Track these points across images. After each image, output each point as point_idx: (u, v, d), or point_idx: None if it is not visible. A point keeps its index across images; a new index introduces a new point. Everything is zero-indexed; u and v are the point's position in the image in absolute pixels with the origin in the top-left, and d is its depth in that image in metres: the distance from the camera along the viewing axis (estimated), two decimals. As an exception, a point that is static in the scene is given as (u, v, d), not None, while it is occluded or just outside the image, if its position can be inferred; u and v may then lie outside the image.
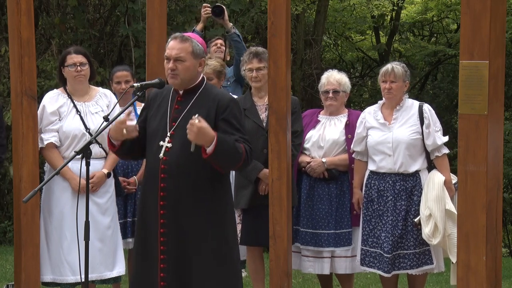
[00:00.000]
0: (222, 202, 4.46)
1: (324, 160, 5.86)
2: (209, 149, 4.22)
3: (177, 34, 4.48)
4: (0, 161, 5.49)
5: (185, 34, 4.50)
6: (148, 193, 4.48)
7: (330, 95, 5.97)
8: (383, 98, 5.80)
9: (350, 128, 5.92)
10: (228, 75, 6.91)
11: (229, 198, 4.55)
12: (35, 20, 7.35)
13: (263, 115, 5.74)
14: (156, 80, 4.52)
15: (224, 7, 6.74)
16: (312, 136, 5.95)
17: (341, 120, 5.99)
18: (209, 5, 6.87)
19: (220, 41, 7.03)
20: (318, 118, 6.04)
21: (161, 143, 4.41)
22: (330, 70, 6.17)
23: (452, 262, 5.49)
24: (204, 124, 4.18)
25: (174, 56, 4.38)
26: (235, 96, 6.26)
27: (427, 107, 5.69)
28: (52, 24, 11.04)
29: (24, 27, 5.34)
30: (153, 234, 4.43)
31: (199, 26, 6.91)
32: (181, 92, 4.48)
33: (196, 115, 4.21)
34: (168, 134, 4.41)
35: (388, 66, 5.76)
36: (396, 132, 5.65)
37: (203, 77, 4.55)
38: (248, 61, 5.80)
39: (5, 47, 10.06)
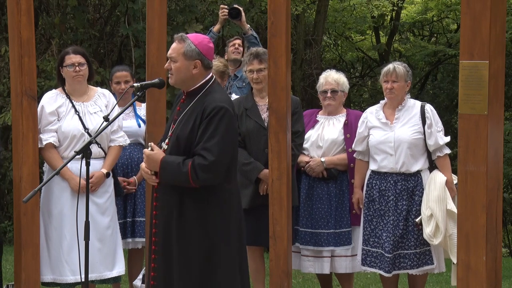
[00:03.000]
0: (213, 203, 4.38)
1: (323, 159, 5.87)
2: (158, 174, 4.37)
3: (180, 34, 4.47)
4: None
5: (187, 35, 4.47)
6: (151, 194, 4.54)
7: (329, 94, 5.97)
8: (385, 98, 5.80)
9: (348, 127, 5.93)
10: (244, 76, 6.91)
11: (223, 198, 4.42)
12: (35, 20, 7.35)
13: (264, 115, 5.74)
14: (156, 80, 4.52)
15: (241, 9, 6.73)
16: (310, 136, 5.95)
17: (340, 119, 6.00)
18: (226, 6, 6.86)
19: (238, 41, 6.99)
20: (317, 118, 6.04)
21: (161, 144, 4.43)
22: (328, 70, 6.18)
23: (453, 263, 5.49)
24: (153, 151, 4.35)
25: (168, 55, 4.41)
26: (236, 97, 6.29)
27: (429, 107, 5.69)
28: (52, 24, 11.03)
29: (24, 27, 5.33)
30: (149, 234, 4.48)
31: (216, 28, 6.88)
32: (185, 94, 4.49)
33: (150, 143, 4.39)
34: (168, 137, 4.43)
35: (390, 66, 5.76)
36: (398, 131, 5.65)
37: (209, 80, 4.45)
38: (248, 62, 5.79)
39: (5, 47, 10.06)
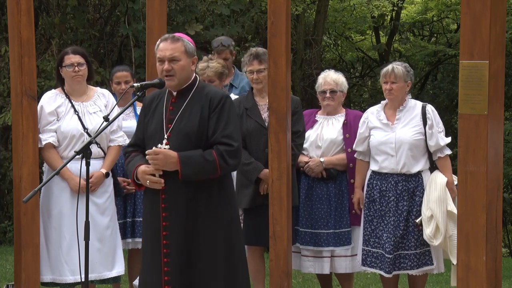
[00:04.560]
0: (222, 200, 4.47)
1: (322, 159, 5.87)
2: (179, 172, 4.33)
3: (167, 35, 4.51)
4: None
5: (175, 34, 4.53)
6: (151, 196, 4.49)
7: (328, 95, 5.97)
8: (386, 99, 5.79)
9: (348, 127, 5.93)
10: (240, 78, 6.89)
11: (230, 196, 4.54)
12: (35, 20, 7.35)
13: (265, 115, 5.73)
14: (156, 80, 4.51)
15: None
16: (309, 136, 5.95)
17: (339, 119, 5.99)
18: None
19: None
20: (316, 118, 6.04)
21: (159, 146, 4.42)
22: (327, 70, 6.18)
23: (453, 264, 5.48)
24: (164, 148, 4.35)
25: (168, 56, 4.40)
26: (235, 96, 6.28)
27: (430, 108, 5.68)
28: (52, 24, 11.03)
29: (24, 27, 5.33)
30: (156, 236, 4.43)
31: None
32: (174, 93, 4.49)
33: (153, 148, 4.36)
34: (165, 137, 4.42)
35: (389, 66, 5.75)
36: (399, 132, 5.64)
37: (195, 76, 4.58)
38: (248, 63, 5.79)
39: (5, 47, 10.06)
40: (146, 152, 4.39)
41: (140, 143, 4.57)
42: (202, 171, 4.34)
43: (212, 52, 7.08)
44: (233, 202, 4.58)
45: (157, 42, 4.51)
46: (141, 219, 6.02)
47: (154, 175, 4.39)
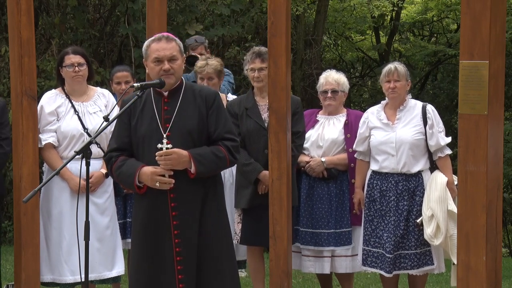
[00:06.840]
0: (223, 196, 4.61)
1: (323, 159, 5.87)
2: (193, 169, 4.35)
3: (159, 35, 4.51)
4: (5, 153, 5.45)
5: (165, 34, 4.55)
6: (153, 197, 4.45)
7: (329, 95, 5.97)
8: (386, 98, 5.80)
9: (349, 127, 5.93)
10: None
11: (223, 191, 4.69)
12: (35, 20, 7.35)
13: (265, 115, 5.72)
14: (156, 81, 4.51)
15: (198, 56, 6.72)
16: (311, 136, 5.95)
17: (340, 119, 6.00)
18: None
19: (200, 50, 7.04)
20: (317, 118, 6.04)
21: (159, 145, 4.41)
22: (328, 70, 6.19)
23: (453, 263, 5.48)
24: (167, 148, 4.35)
25: (168, 56, 4.42)
26: (233, 96, 6.29)
27: (430, 108, 5.69)
28: (52, 24, 11.04)
29: (24, 27, 5.34)
30: (166, 235, 4.41)
31: None
32: (165, 93, 4.49)
33: (159, 146, 4.37)
34: (165, 136, 4.42)
35: (391, 65, 5.76)
36: (399, 132, 5.65)
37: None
38: (250, 61, 5.79)
39: (5, 47, 10.06)
40: (157, 153, 4.33)
41: (125, 147, 4.51)
42: (214, 168, 4.43)
43: (187, 52, 7.06)
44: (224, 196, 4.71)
45: (147, 43, 4.49)
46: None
47: (163, 175, 4.38)
